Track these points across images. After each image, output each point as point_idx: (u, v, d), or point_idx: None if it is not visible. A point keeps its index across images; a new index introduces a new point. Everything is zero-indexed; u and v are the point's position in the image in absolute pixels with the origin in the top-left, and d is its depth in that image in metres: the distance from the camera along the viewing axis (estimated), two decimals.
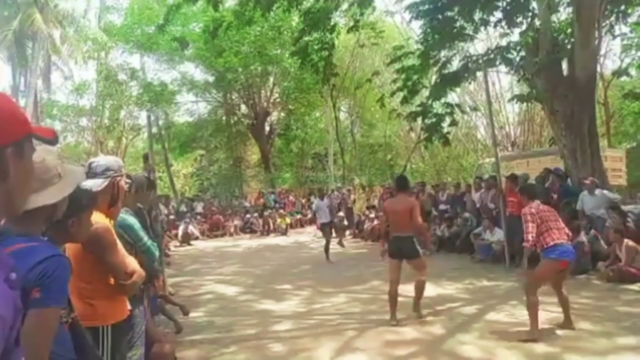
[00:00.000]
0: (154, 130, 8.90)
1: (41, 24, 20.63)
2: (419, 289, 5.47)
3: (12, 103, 0.96)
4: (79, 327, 1.73)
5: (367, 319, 5.58)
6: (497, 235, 9.11)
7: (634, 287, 6.55)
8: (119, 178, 2.52)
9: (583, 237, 7.65)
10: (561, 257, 4.55)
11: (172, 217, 15.66)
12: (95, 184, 2.40)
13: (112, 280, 2.41)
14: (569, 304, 4.83)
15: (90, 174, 2.46)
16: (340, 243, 12.03)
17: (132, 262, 2.51)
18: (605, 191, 8.65)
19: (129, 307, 2.60)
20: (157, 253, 3.39)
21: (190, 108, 24.59)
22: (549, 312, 5.36)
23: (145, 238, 3.13)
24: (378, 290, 7.11)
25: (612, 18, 10.47)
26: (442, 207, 11.86)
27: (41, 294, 1.39)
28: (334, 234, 11.36)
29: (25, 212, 1.53)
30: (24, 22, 20.50)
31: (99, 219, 2.35)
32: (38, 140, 1.04)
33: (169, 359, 3.82)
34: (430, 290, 6.83)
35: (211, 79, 22.33)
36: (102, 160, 2.60)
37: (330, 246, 10.47)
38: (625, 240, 7.05)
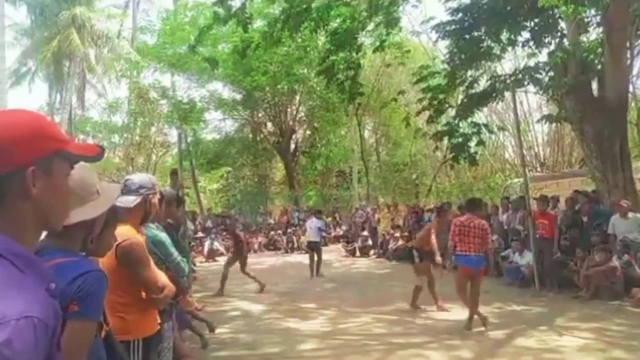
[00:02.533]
0: (183, 146, 9.08)
1: (78, 43, 21.51)
2: None
3: (36, 121, 0.96)
4: (113, 340, 1.77)
5: (393, 341, 5.52)
6: (527, 257, 8.90)
7: None
8: (151, 196, 2.59)
9: (615, 262, 7.42)
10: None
11: (200, 233, 15.85)
12: (127, 201, 2.47)
13: (143, 294, 2.47)
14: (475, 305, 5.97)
15: (125, 190, 2.54)
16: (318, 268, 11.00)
17: (163, 277, 2.58)
18: (638, 214, 8.38)
19: (159, 321, 2.65)
20: (186, 269, 3.45)
21: (217, 125, 25.07)
22: (579, 339, 5.21)
23: (176, 254, 3.20)
24: (403, 311, 7.03)
25: None
26: None
27: (79, 308, 1.44)
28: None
29: (64, 227, 1.60)
30: (62, 42, 21.40)
31: (131, 234, 2.43)
32: (75, 159, 1.05)
33: None
34: (457, 313, 6.71)
35: (239, 97, 22.74)
36: (136, 178, 2.67)
37: (350, 263, 10.34)
38: None
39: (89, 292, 1.47)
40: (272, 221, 20.13)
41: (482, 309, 7.01)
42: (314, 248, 11.05)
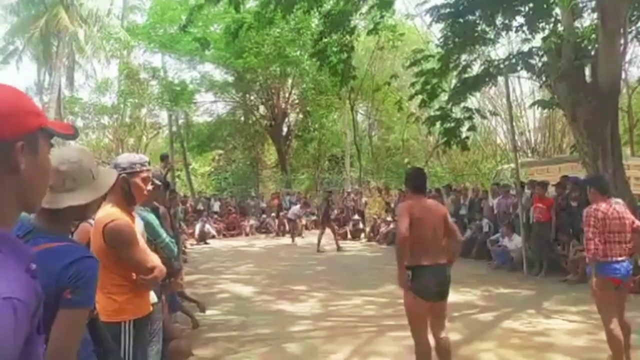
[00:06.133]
0: (174, 129, 8.98)
1: (67, 22, 21.02)
2: None
3: (21, 96, 0.93)
4: (98, 323, 1.74)
5: (384, 323, 5.57)
6: (515, 241, 9.00)
7: None
8: (126, 175, 2.47)
9: None
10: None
11: (189, 215, 15.84)
12: None
13: (134, 275, 2.44)
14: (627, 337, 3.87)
15: None
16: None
17: (153, 258, 2.55)
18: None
19: (154, 300, 2.64)
20: (175, 250, 3.44)
21: (209, 108, 24.82)
22: (567, 322, 5.29)
23: (164, 235, 3.19)
24: (394, 294, 7.07)
25: (639, 24, 10.27)
26: (462, 212, 11.73)
27: (73, 296, 1.42)
28: None
29: (57, 210, 1.57)
30: (50, 20, 20.91)
31: (118, 214, 2.39)
32: (56, 136, 1.01)
33: (186, 355, 3.86)
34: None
35: (230, 79, 22.51)
36: (118, 157, 2.62)
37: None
38: None
39: (84, 280, 1.45)
40: (264, 204, 20.09)
41: (471, 292, 7.10)
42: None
